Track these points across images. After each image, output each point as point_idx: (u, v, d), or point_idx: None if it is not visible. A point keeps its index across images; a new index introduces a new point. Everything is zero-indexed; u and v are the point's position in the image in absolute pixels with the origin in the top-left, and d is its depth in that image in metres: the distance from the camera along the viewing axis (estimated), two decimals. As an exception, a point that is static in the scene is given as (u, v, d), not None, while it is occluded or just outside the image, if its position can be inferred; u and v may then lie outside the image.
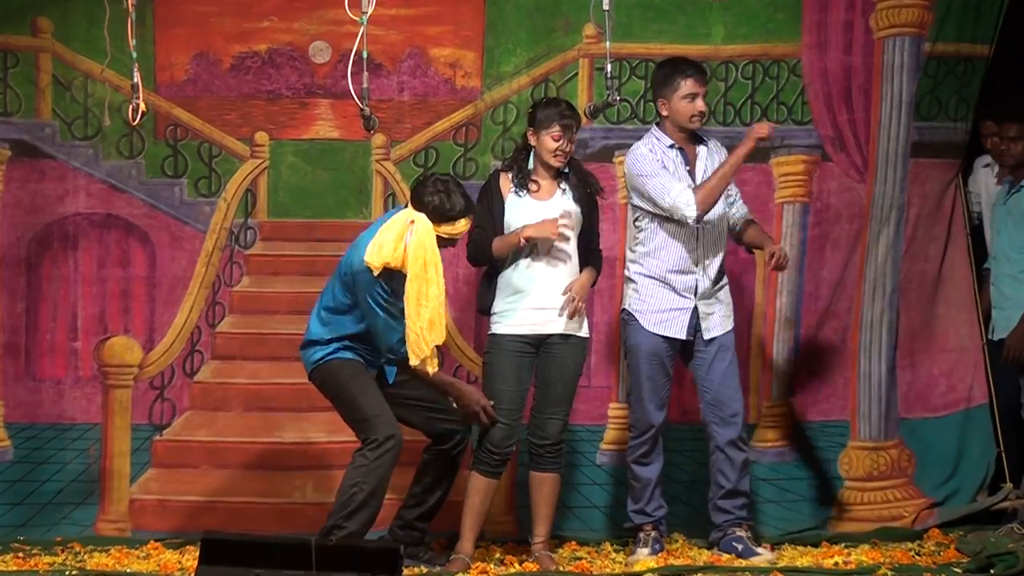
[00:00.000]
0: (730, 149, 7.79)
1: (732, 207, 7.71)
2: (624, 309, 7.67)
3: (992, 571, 7.18)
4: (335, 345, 7.17)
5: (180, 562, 7.43)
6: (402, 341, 7.02)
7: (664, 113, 7.59)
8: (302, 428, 8.09)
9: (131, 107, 7.04)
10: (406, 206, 7.15)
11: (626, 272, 7.69)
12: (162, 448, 8.10)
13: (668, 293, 7.57)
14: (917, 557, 7.64)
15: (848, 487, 8.35)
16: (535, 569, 7.37)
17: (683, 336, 7.57)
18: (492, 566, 7.40)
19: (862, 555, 7.62)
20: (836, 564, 7.45)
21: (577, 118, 7.42)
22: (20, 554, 7.51)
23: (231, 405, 8.14)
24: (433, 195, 7.05)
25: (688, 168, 7.57)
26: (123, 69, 7.67)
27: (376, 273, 6.97)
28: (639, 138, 7.70)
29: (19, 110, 8.06)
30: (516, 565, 7.45)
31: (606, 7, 7.22)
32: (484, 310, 7.49)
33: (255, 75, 8.12)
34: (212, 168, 8.15)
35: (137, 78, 7.04)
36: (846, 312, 8.36)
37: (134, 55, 7.06)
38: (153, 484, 8.08)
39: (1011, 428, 8.37)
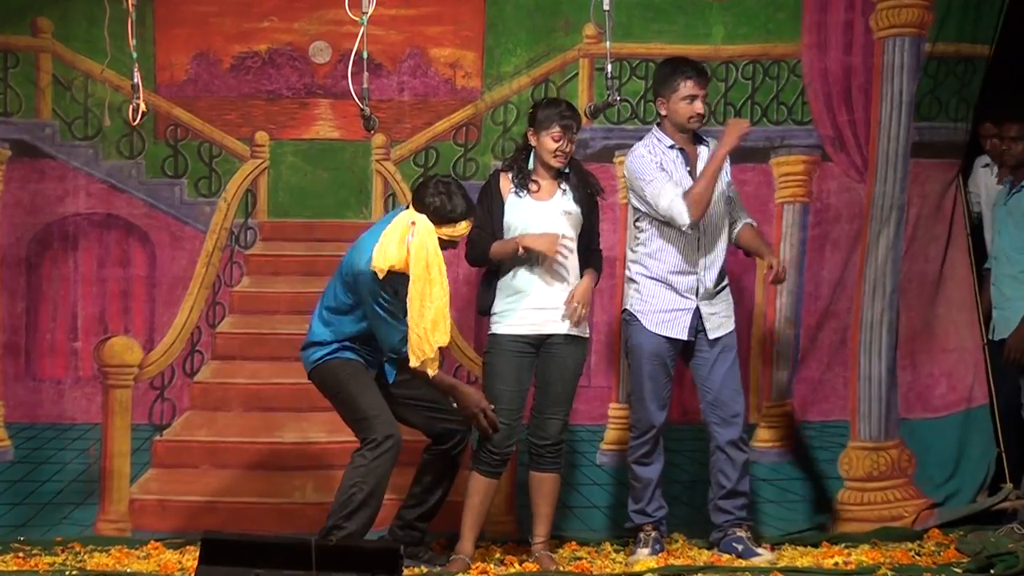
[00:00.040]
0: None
1: (732, 210, 7.71)
2: (625, 309, 7.66)
3: (992, 571, 7.18)
4: (335, 345, 7.17)
5: (180, 562, 7.43)
6: (404, 341, 7.02)
7: (663, 113, 7.58)
8: (302, 428, 8.09)
9: (131, 107, 7.04)
10: (407, 207, 7.14)
11: (627, 272, 7.69)
12: (162, 448, 8.10)
13: (670, 294, 7.57)
14: (917, 557, 7.64)
15: (848, 487, 8.35)
16: (535, 569, 7.37)
17: (684, 337, 7.57)
18: (492, 566, 7.40)
19: (862, 555, 7.62)
20: (836, 564, 7.45)
21: (577, 119, 7.42)
22: (20, 554, 7.51)
23: (231, 405, 8.14)
24: (434, 196, 7.04)
25: (688, 169, 7.57)
26: (123, 69, 7.68)
27: (382, 276, 6.97)
28: (639, 138, 7.70)
29: (19, 110, 8.06)
30: (516, 565, 7.45)
31: (606, 7, 7.21)
32: (484, 310, 7.48)
33: (255, 75, 8.12)
34: (212, 168, 8.15)
35: (137, 78, 7.04)
36: (846, 312, 8.36)
37: (134, 55, 7.06)
38: (153, 484, 8.09)
39: (1011, 428, 8.37)
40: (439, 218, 7.03)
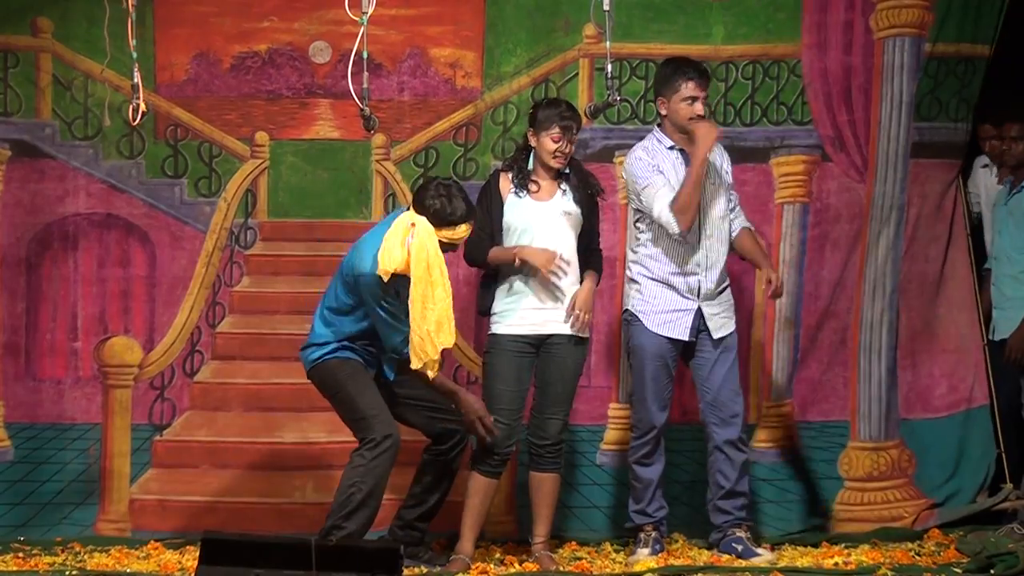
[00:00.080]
0: (730, 150, 7.81)
1: (732, 212, 7.70)
2: (627, 310, 7.66)
3: (992, 571, 7.18)
4: (334, 344, 7.17)
5: (180, 562, 7.43)
6: (406, 342, 7.01)
7: (663, 113, 7.58)
8: (302, 428, 8.09)
9: (131, 107, 7.04)
10: (408, 209, 7.14)
11: (628, 273, 7.69)
12: (162, 448, 8.10)
13: (671, 294, 7.56)
14: (917, 557, 7.64)
15: (848, 487, 8.34)
16: (535, 569, 7.37)
17: (686, 337, 7.56)
18: (492, 566, 7.40)
19: (862, 555, 7.61)
20: (836, 564, 7.45)
21: (577, 119, 7.41)
22: (20, 554, 7.51)
23: (231, 405, 8.14)
24: (435, 199, 7.04)
25: (689, 169, 7.55)
26: (123, 69, 7.68)
27: (386, 280, 6.97)
28: (639, 138, 7.71)
29: (19, 110, 8.06)
30: (516, 565, 7.45)
31: (606, 7, 7.21)
32: (484, 311, 7.48)
33: (255, 75, 8.12)
34: (212, 168, 8.15)
35: (137, 78, 7.04)
36: (846, 312, 8.35)
37: (134, 55, 7.06)
38: (153, 484, 8.08)
39: (1011, 428, 8.37)
40: (439, 220, 7.03)
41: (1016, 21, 8.38)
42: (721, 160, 7.66)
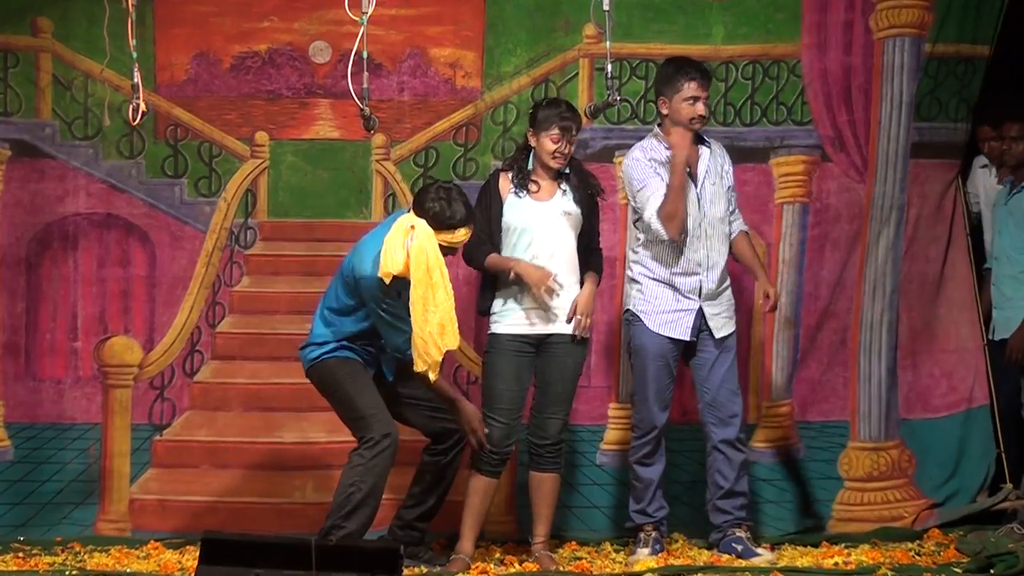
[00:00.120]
0: (730, 150, 7.80)
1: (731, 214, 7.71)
2: (628, 310, 7.66)
3: (992, 571, 7.18)
4: (333, 344, 7.17)
5: (180, 562, 7.43)
6: (408, 342, 7.01)
7: (664, 112, 7.57)
8: (302, 428, 8.09)
9: (131, 107, 7.04)
10: (408, 210, 7.14)
11: (628, 273, 7.68)
12: (162, 448, 8.10)
13: (672, 294, 7.56)
14: (917, 557, 7.64)
15: (848, 487, 8.34)
16: (535, 569, 7.37)
17: (687, 338, 7.56)
18: (492, 566, 7.40)
19: (862, 555, 7.61)
20: (836, 564, 7.45)
21: (577, 120, 7.41)
22: (20, 554, 7.51)
23: (231, 405, 8.14)
24: (434, 202, 7.03)
25: (689, 170, 7.56)
26: (123, 69, 7.68)
27: (387, 282, 6.97)
28: (639, 138, 7.70)
29: (19, 110, 8.06)
30: (516, 565, 7.45)
31: (606, 7, 7.21)
32: (484, 311, 7.48)
33: (255, 75, 8.12)
34: (212, 168, 8.15)
35: (137, 78, 7.04)
36: (846, 312, 8.35)
37: (134, 55, 7.06)
38: (153, 484, 8.08)
39: (1011, 429, 8.37)
40: (438, 224, 7.02)
41: (1016, 21, 8.38)
42: (722, 161, 7.66)
